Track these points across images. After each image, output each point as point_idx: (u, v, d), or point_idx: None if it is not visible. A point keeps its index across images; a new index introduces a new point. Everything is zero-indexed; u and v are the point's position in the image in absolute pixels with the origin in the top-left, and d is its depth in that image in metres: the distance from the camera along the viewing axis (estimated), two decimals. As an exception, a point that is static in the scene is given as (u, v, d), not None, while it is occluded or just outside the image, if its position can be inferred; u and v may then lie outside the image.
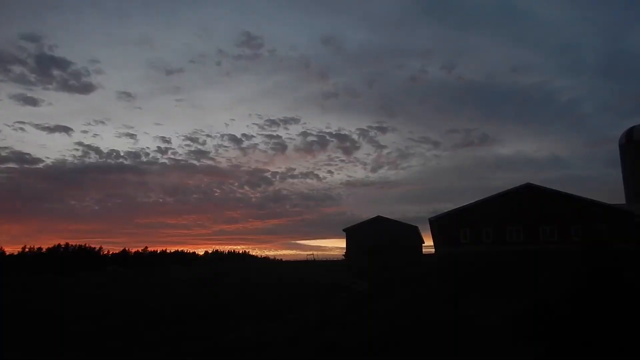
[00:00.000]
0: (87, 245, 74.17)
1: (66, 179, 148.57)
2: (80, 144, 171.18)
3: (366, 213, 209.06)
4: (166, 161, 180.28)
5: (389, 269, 36.93)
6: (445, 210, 40.30)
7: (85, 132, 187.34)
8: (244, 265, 57.25)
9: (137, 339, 14.98)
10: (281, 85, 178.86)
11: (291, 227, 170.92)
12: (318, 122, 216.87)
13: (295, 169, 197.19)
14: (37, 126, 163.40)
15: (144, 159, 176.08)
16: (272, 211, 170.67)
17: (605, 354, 9.45)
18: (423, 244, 67.70)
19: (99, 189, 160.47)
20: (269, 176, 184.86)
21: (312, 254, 79.67)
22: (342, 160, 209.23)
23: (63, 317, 20.96)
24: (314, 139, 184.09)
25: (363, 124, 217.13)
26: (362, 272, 36.36)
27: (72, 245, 73.05)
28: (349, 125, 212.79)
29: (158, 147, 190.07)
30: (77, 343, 14.82)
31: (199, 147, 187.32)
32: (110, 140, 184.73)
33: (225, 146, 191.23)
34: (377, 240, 57.45)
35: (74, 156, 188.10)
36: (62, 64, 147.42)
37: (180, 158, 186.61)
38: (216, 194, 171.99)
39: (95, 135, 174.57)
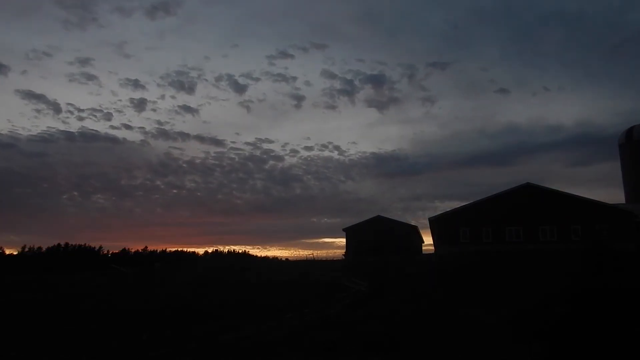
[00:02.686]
0: (86, 244, 74.44)
1: (25, 153, 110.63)
2: (28, 94, 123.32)
3: (391, 204, 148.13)
4: (145, 125, 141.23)
5: (388, 268, 36.93)
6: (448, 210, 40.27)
7: (25, 72, 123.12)
8: (244, 265, 57.27)
9: (137, 339, 14.96)
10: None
11: (298, 224, 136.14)
12: (347, 51, 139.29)
13: (309, 138, 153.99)
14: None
15: (116, 120, 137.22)
16: (278, 198, 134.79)
17: (605, 353, 9.43)
18: (423, 244, 67.72)
19: (70, 168, 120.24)
20: (277, 149, 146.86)
21: (312, 254, 79.82)
22: (371, 125, 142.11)
23: (62, 316, 20.94)
24: (338, 85, 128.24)
25: (410, 56, 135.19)
26: (362, 271, 36.33)
27: (72, 245, 73.25)
28: (390, 57, 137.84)
29: (131, 99, 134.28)
30: (77, 342, 14.80)
31: (186, 98, 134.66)
32: (63, 85, 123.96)
33: (223, 99, 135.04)
34: (377, 240, 57.42)
35: (25, 115, 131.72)
36: None
37: (163, 119, 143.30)
38: (215, 174, 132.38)
39: (42, 77, 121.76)
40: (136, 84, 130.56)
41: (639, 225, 36.21)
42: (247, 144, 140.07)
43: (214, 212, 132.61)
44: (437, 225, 39.82)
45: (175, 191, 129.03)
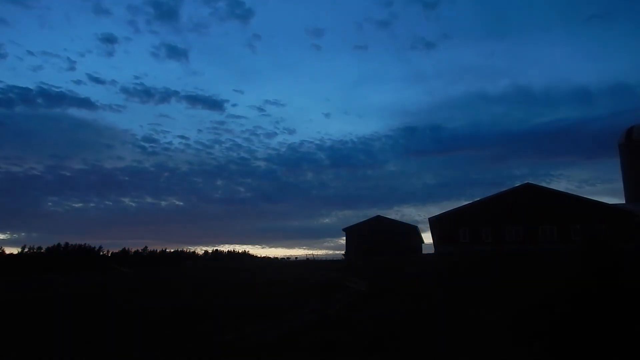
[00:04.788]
0: (86, 244, 75.08)
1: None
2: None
3: (414, 192, 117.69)
4: (117, 78, 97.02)
5: (388, 268, 36.89)
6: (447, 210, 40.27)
7: None
8: (243, 265, 57.28)
9: (134, 339, 14.94)
10: None
11: (302, 220, 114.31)
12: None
13: (329, 99, 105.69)
14: None
15: (80, 70, 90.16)
16: (284, 185, 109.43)
17: (605, 354, 9.42)
18: (423, 244, 67.74)
19: (38, 144, 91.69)
20: (288, 117, 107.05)
21: (312, 254, 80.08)
22: (409, 77, 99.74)
23: (62, 316, 20.91)
24: (373, 11, 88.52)
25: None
26: (362, 271, 36.30)
27: (71, 244, 73.90)
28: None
29: (94, 35, 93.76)
30: (77, 342, 14.78)
31: (169, 32, 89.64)
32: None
33: (219, 34, 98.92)
34: (377, 240, 57.42)
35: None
36: None
37: (141, 70, 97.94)
38: (213, 153, 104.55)
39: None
40: (97, 7, 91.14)
41: (639, 225, 36.26)
42: (252, 107, 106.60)
43: (212, 203, 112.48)
44: (437, 225, 39.83)
45: (167, 174, 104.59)
